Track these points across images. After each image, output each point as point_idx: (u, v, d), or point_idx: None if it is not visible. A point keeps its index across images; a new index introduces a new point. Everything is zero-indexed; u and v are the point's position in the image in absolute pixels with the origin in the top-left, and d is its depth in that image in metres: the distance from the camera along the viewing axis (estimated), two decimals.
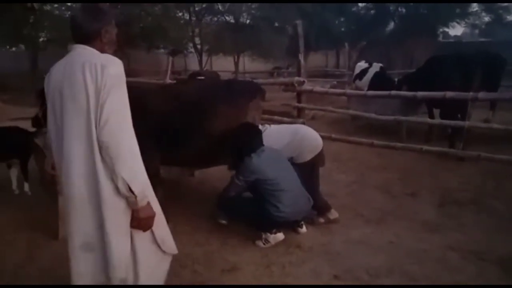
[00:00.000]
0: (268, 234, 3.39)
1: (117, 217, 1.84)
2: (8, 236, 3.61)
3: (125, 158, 1.77)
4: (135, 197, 1.79)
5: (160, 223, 2.04)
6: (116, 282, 1.87)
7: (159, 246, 2.06)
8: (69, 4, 17.59)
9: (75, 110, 1.78)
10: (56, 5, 17.30)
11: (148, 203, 1.88)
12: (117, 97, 1.79)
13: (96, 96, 1.75)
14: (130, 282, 1.92)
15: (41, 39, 17.76)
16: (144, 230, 1.92)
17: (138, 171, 1.83)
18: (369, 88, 8.17)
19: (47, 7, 16.23)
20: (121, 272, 1.88)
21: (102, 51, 1.92)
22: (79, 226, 1.88)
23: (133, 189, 1.77)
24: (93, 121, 1.76)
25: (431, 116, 6.82)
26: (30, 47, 18.72)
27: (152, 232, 1.99)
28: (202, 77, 7.42)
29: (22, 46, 19.74)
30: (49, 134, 1.97)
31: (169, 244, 2.16)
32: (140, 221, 1.87)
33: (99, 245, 1.87)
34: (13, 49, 20.76)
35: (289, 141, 3.72)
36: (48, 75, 1.92)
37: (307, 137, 3.81)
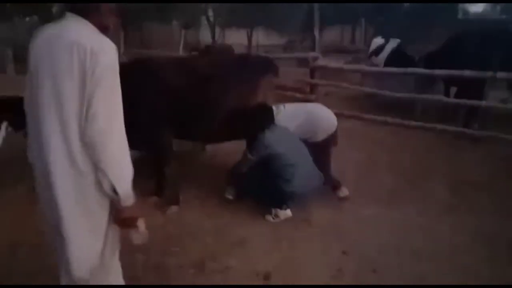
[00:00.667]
0: (278, 209, 3.41)
1: (83, 214, 1.71)
2: (18, 227, 3.68)
3: (113, 159, 1.64)
4: (119, 197, 1.68)
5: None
6: (78, 282, 1.78)
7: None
8: None
9: (52, 93, 1.61)
10: None
11: (134, 203, 1.76)
12: (107, 90, 1.62)
13: (80, 85, 1.58)
14: (98, 282, 1.82)
15: (53, 9, 17.66)
16: (127, 227, 1.82)
17: (125, 172, 1.70)
18: (386, 65, 8.00)
19: None
20: (81, 272, 1.75)
21: (100, 24, 1.74)
22: (47, 219, 1.77)
23: (118, 190, 1.66)
24: (72, 111, 1.60)
25: (447, 94, 6.68)
26: (44, 17, 18.67)
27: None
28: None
29: (36, 17, 19.68)
30: (25, 108, 1.79)
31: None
32: (122, 221, 1.76)
33: (62, 243, 1.74)
34: (27, 19, 20.71)
35: (303, 121, 3.71)
36: (33, 40, 1.70)
37: (321, 118, 3.78)
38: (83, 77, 1.58)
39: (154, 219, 3.44)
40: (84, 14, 1.69)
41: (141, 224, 1.88)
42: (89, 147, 1.62)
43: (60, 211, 1.67)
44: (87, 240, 1.75)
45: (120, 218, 1.75)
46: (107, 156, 1.62)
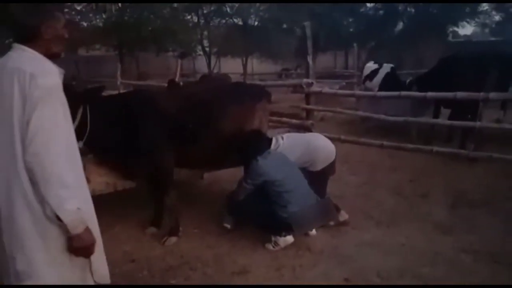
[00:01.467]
0: (278, 237, 3.38)
1: (35, 243, 1.66)
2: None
3: (51, 184, 1.58)
4: (66, 225, 1.62)
5: (96, 251, 1.83)
6: None
7: (91, 274, 1.84)
8: (78, 8, 17.78)
9: (2, 124, 1.61)
10: (66, 10, 17.48)
11: (85, 231, 1.68)
12: (45, 113, 1.58)
13: (22, 109, 1.57)
14: None
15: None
16: (84, 256, 1.75)
17: (66, 198, 1.61)
18: (380, 89, 8.12)
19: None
20: None
21: (47, 51, 1.72)
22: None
23: (60, 217, 1.60)
24: (17, 137, 1.58)
25: (436, 116, 6.77)
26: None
27: (90, 260, 1.80)
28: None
29: None
30: None
31: (102, 273, 1.94)
32: (74, 250, 1.69)
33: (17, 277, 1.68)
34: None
35: (302, 153, 3.73)
36: None
37: (320, 148, 3.81)
38: (24, 102, 1.58)
39: (152, 251, 3.41)
40: (27, 42, 1.69)
41: (99, 257, 1.82)
42: (28, 171, 1.59)
43: (19, 245, 1.65)
44: (45, 270, 1.69)
45: (71, 246, 1.68)
46: (46, 180, 1.58)
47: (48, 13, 1.74)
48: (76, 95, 3.21)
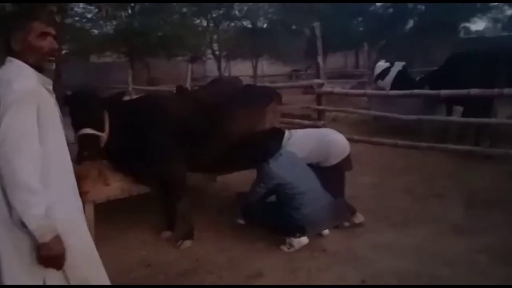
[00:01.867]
0: (292, 239, 3.36)
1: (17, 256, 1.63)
2: None
3: (18, 188, 1.54)
4: (32, 232, 1.57)
5: (84, 263, 1.78)
6: None
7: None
8: (89, 16, 18.03)
9: None
10: (77, 18, 17.73)
11: (54, 240, 1.61)
12: (18, 115, 1.57)
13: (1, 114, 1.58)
14: None
15: (63, 52, 18.22)
16: (53, 267, 1.67)
17: (33, 204, 1.56)
18: (392, 88, 8.04)
19: (68, 20, 16.67)
20: None
21: (27, 62, 1.72)
22: None
23: (26, 223, 1.55)
24: None
25: (450, 114, 6.68)
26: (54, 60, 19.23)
27: (64, 272, 1.71)
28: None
29: None
30: None
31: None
32: (42, 259, 1.62)
33: None
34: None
35: (315, 146, 3.71)
36: None
37: (334, 142, 3.79)
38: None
39: (168, 255, 3.42)
40: (14, 55, 1.72)
41: (97, 272, 1.77)
42: None
43: None
44: (18, 279, 1.64)
45: (40, 256, 1.62)
46: (13, 185, 1.55)
47: (16, 25, 1.74)
48: (102, 100, 3.24)
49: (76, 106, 3.13)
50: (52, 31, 1.80)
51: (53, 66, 1.88)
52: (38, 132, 1.64)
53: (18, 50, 1.72)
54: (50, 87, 1.83)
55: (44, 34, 1.77)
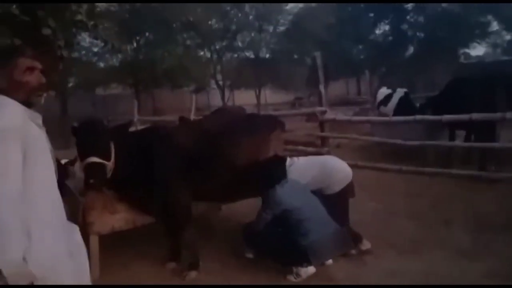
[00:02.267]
0: (299, 268, 3.32)
1: None
2: None
3: None
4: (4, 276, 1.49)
5: None
6: None
7: None
8: (95, 50, 18.47)
9: None
10: (83, 52, 18.18)
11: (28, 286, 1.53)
12: None
13: None
14: None
15: (70, 85, 18.60)
16: None
17: (10, 249, 1.49)
18: (395, 114, 8.11)
19: (75, 54, 17.11)
20: None
21: (14, 98, 1.69)
22: None
23: (0, 267, 1.48)
24: None
25: (453, 139, 6.69)
26: (60, 92, 19.58)
27: None
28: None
29: (52, 93, 20.66)
30: None
31: None
32: None
33: None
34: (44, 95, 21.71)
35: (317, 173, 3.71)
36: None
37: (336, 169, 3.79)
38: None
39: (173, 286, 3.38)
40: (2, 92, 1.68)
41: None
42: None
43: None
44: None
45: None
46: None
47: (0, 62, 1.73)
48: (107, 131, 3.29)
49: (83, 136, 3.16)
50: (38, 65, 1.79)
51: (42, 100, 1.86)
52: (24, 170, 1.59)
53: (5, 86, 1.69)
54: (40, 122, 1.80)
55: (30, 69, 1.75)
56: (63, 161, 3.64)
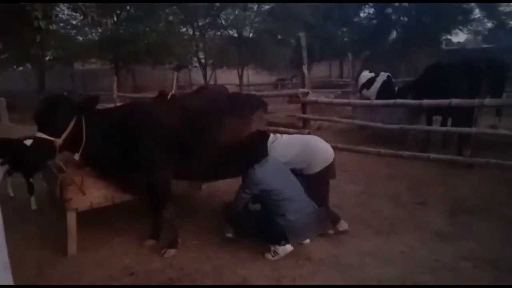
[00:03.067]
0: (277, 246, 3.36)
1: None
2: (19, 254, 3.61)
3: None
4: None
5: None
6: None
7: None
8: (74, 22, 17.88)
9: None
10: (61, 24, 17.58)
11: None
12: None
13: None
14: None
15: (47, 58, 18.04)
16: None
17: None
18: (377, 98, 8.17)
19: (53, 26, 16.54)
20: None
21: None
22: None
23: None
24: None
25: (429, 124, 6.81)
26: (37, 66, 19.00)
27: None
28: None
29: (29, 66, 20.04)
30: None
31: None
32: None
33: None
34: (20, 68, 21.08)
35: (299, 151, 3.71)
36: None
37: (318, 148, 3.79)
38: None
39: (152, 263, 3.39)
40: None
41: None
42: None
43: None
44: None
45: None
46: None
47: None
48: (69, 106, 3.25)
49: (37, 111, 3.22)
50: None
51: None
52: None
53: None
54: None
55: None
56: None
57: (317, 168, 3.71)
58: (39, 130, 3.14)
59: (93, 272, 3.28)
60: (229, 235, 3.66)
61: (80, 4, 7.51)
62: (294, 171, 3.65)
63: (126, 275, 3.22)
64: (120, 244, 3.77)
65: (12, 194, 5.09)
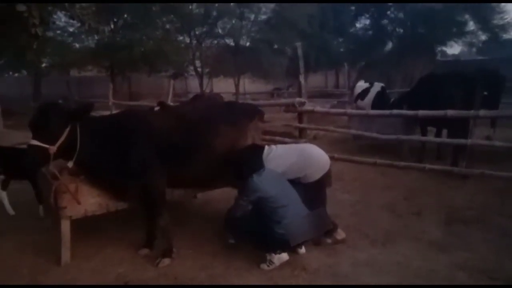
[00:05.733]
0: (273, 255, 3.34)
1: None
2: (12, 262, 3.57)
3: None
4: None
5: None
6: None
7: None
8: (71, 30, 17.88)
9: None
10: (58, 31, 17.57)
11: None
12: None
13: None
14: None
15: (43, 65, 17.99)
16: None
17: None
18: (372, 108, 8.20)
19: (50, 33, 16.52)
20: None
21: None
22: None
23: None
24: None
25: (424, 135, 6.84)
26: (33, 72, 18.94)
27: None
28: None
29: (25, 72, 19.98)
30: None
31: None
32: None
33: None
34: (16, 74, 21.01)
35: (295, 160, 3.69)
36: None
37: (314, 157, 3.77)
38: None
39: (146, 273, 3.35)
40: None
41: None
42: None
43: None
44: None
45: None
46: None
47: None
48: (64, 113, 3.24)
49: (31, 118, 3.23)
50: None
51: None
52: None
53: None
54: None
55: None
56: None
57: (314, 176, 3.69)
58: (34, 137, 3.14)
59: (87, 280, 3.25)
60: (232, 241, 3.65)
61: (77, 11, 7.52)
62: (292, 181, 3.63)
63: (120, 284, 3.18)
64: (114, 252, 3.74)
65: (12, 212, 4.75)
